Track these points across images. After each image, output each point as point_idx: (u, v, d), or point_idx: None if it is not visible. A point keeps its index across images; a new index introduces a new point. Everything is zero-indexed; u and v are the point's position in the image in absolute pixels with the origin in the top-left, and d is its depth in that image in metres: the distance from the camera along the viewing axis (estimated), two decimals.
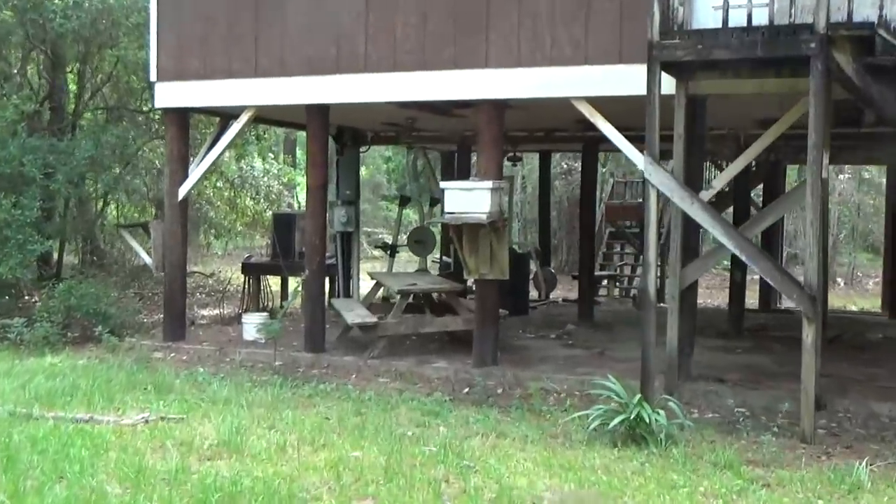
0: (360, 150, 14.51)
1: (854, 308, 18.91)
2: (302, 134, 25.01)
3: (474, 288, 9.92)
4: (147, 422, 7.18)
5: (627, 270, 19.78)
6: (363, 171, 34.51)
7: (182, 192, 10.95)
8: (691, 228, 8.81)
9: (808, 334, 7.22)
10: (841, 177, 24.53)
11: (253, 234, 21.72)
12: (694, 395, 8.63)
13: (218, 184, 19.76)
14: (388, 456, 6.28)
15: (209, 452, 6.34)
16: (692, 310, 8.90)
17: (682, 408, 7.33)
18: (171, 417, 7.32)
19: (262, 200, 19.92)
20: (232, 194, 19.37)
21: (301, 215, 13.12)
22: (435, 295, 11.18)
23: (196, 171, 10.99)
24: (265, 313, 11.99)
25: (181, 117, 10.99)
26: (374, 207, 33.01)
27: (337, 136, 14.00)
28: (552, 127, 13.24)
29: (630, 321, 14.09)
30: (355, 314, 10.33)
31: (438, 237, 16.51)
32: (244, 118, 10.53)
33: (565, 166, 24.14)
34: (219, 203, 19.92)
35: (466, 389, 9.08)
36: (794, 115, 8.23)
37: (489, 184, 9.17)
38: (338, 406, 8.16)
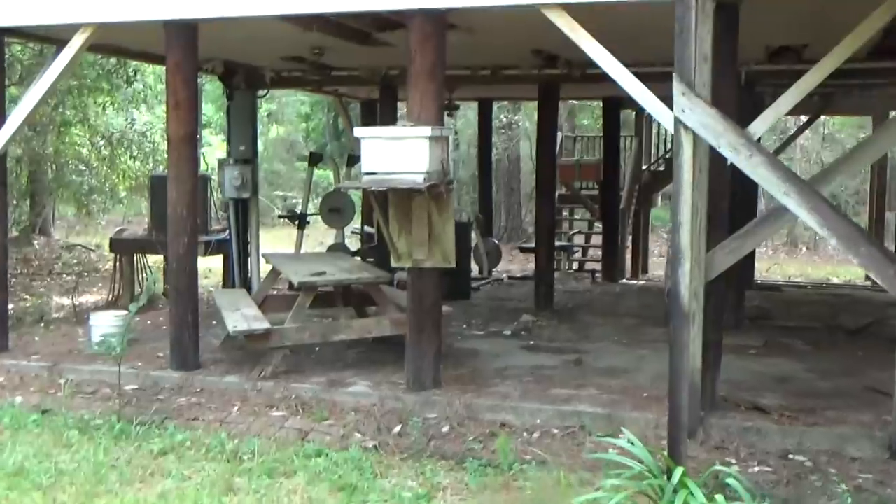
0: (258, 94, 11.47)
1: (837, 280, 16.63)
2: (210, 83, 21.72)
3: (406, 278, 7.10)
4: None
5: (580, 239, 17.19)
6: (279, 129, 31.42)
7: None
8: (719, 192, 6.12)
9: None
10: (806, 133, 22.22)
11: (140, 201, 18.44)
12: (727, 435, 5.99)
13: (95, 140, 16.50)
14: None
15: None
16: (719, 310, 6.23)
17: (747, 487, 4.60)
18: None
19: (148, 160, 16.65)
20: (110, 152, 16.07)
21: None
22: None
23: (15, 116, 7.86)
24: (124, 311, 8.95)
25: None
26: (289, 169, 29.91)
27: (225, 75, 10.97)
28: (501, 63, 10.38)
29: (595, 307, 11.48)
30: (240, 316, 7.40)
31: (359, 202, 13.62)
32: (77, 42, 7.41)
33: (504, 119, 21.31)
34: (96, 164, 16.61)
35: (398, 429, 6.27)
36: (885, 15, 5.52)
37: (427, 130, 6.29)
38: (200, 474, 5.29)
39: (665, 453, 5.03)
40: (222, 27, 7.53)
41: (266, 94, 11.71)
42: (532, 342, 8.90)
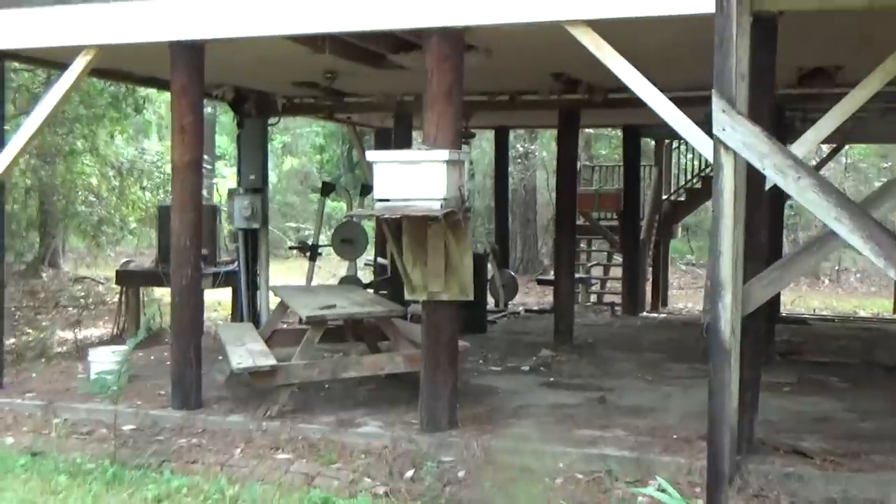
0: (269, 122, 11.16)
1: (864, 313, 16.10)
2: (224, 114, 21.47)
3: (421, 311, 6.70)
4: None
5: (598, 271, 16.77)
6: (293, 161, 31.22)
7: None
8: (757, 220, 5.70)
9: None
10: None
11: (151, 232, 18.15)
12: (767, 482, 5.53)
13: (104, 170, 16.25)
14: None
15: None
16: (757, 346, 5.79)
17: None
18: None
19: (159, 191, 16.39)
20: (119, 182, 15.81)
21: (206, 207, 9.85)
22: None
23: (15, 142, 7.54)
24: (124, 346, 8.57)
25: None
26: (303, 200, 29.66)
27: (236, 102, 10.67)
28: (520, 88, 10.04)
29: (616, 342, 11.03)
30: (245, 352, 7.01)
31: (371, 234, 13.26)
32: (79, 65, 7.12)
33: (521, 149, 20.99)
34: (105, 194, 16.35)
35: (411, 473, 5.85)
36: None
37: (444, 154, 5.93)
38: None
39: None
40: (231, 49, 7.24)
41: (277, 121, 11.41)
42: (552, 378, 8.46)
